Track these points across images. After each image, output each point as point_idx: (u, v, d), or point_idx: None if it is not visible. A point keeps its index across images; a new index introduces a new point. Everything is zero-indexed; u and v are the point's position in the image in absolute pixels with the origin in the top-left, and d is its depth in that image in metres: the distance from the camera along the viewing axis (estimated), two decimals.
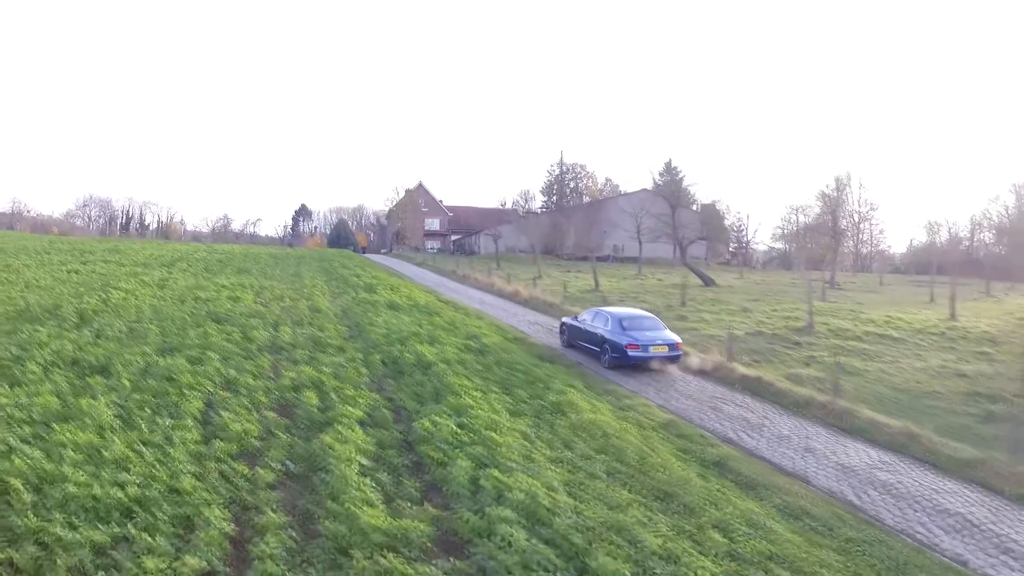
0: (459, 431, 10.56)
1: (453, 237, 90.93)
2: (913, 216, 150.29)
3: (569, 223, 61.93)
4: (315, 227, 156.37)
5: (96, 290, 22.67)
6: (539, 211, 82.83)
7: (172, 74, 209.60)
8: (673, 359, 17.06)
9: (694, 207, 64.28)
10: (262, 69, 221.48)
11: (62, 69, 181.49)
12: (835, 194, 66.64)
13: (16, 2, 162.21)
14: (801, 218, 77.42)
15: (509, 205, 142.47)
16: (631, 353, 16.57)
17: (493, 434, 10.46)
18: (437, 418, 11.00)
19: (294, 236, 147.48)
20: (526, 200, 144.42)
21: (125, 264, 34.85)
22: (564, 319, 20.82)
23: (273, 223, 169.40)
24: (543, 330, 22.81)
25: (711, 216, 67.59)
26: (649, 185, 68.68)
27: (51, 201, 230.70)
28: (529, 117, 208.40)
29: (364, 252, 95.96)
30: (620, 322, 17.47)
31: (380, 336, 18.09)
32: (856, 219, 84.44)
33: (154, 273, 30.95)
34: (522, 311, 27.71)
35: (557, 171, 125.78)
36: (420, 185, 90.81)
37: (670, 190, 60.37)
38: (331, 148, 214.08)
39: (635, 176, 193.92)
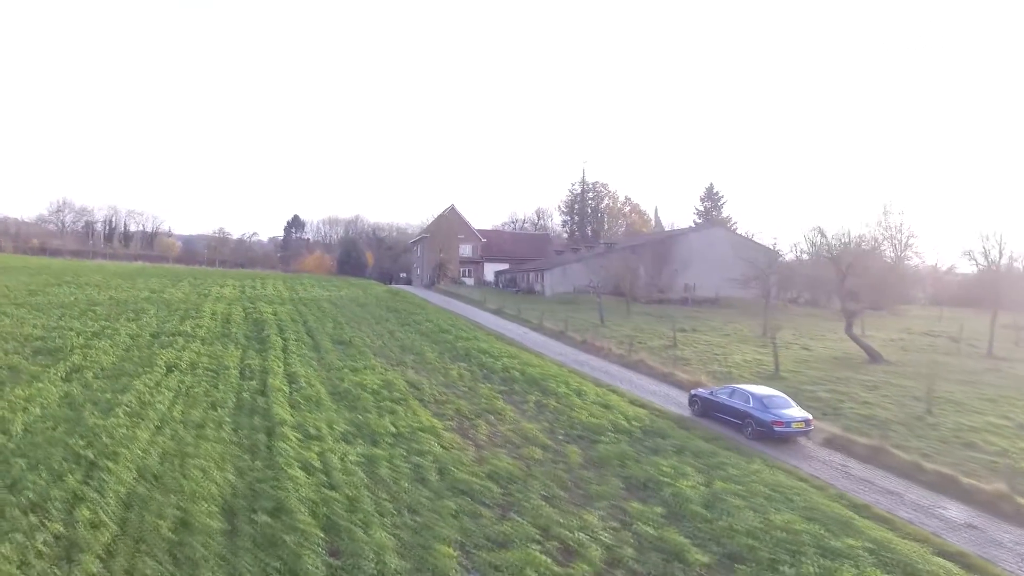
0: None
1: (487, 264, 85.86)
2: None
3: (639, 261, 57.38)
4: (307, 238, 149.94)
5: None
6: (599, 245, 78.10)
7: (160, 78, 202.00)
8: (807, 433, 19.47)
9: (764, 243, 60.20)
10: (252, 75, 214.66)
11: (46, 68, 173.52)
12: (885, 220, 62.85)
13: None
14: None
15: (522, 223, 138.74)
16: (777, 429, 19.17)
17: None
18: None
19: (285, 249, 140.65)
20: (539, 218, 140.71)
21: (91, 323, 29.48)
22: (695, 391, 22.82)
23: (265, 232, 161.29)
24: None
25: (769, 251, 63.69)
26: (691, 211, 64.51)
27: (20, 204, 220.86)
28: (542, 130, 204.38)
29: (392, 282, 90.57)
30: (762, 401, 20.08)
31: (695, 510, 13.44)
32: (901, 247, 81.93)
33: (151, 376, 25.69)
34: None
35: (579, 189, 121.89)
36: (453, 208, 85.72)
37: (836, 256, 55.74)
38: (324, 155, 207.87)
39: (659, 195, 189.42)
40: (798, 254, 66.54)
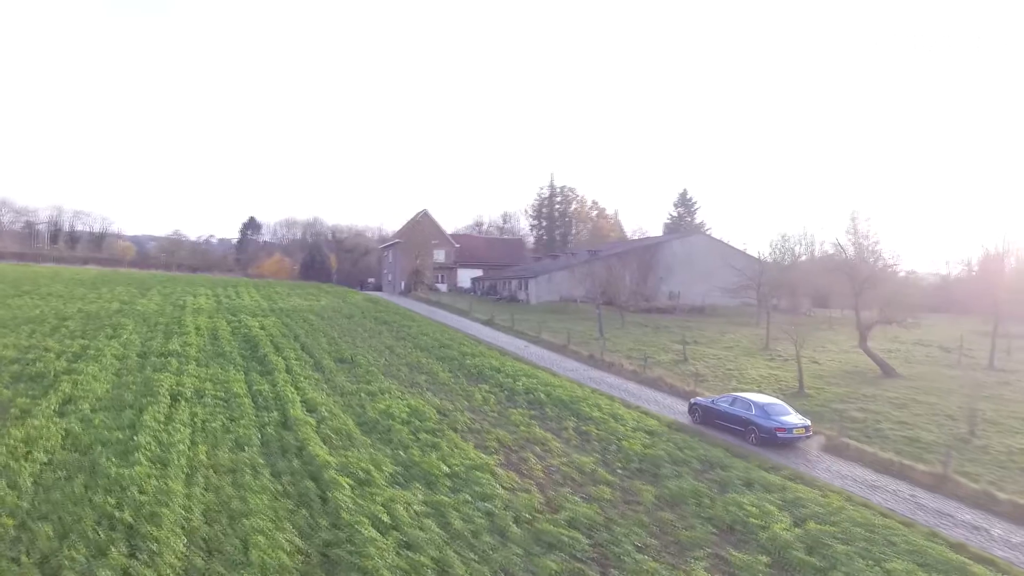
0: None
1: (461, 270, 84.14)
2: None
3: (624, 269, 56.75)
4: (264, 240, 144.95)
5: None
6: (575, 253, 77.16)
7: (105, 75, 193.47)
8: (807, 438, 20.58)
9: (745, 249, 60.47)
10: (204, 73, 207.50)
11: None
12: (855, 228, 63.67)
13: None
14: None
15: (488, 226, 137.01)
16: (780, 435, 20.17)
17: None
18: None
19: (242, 251, 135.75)
20: (505, 221, 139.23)
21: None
22: (695, 400, 23.58)
23: (219, 234, 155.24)
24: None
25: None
26: (663, 216, 64.38)
27: None
28: (508, 133, 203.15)
29: (362, 288, 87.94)
30: (764, 409, 20.98)
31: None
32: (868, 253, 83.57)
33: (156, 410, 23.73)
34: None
35: (547, 193, 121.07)
36: (426, 213, 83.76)
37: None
38: (281, 155, 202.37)
39: (625, 200, 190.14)
40: (775, 260, 67.38)
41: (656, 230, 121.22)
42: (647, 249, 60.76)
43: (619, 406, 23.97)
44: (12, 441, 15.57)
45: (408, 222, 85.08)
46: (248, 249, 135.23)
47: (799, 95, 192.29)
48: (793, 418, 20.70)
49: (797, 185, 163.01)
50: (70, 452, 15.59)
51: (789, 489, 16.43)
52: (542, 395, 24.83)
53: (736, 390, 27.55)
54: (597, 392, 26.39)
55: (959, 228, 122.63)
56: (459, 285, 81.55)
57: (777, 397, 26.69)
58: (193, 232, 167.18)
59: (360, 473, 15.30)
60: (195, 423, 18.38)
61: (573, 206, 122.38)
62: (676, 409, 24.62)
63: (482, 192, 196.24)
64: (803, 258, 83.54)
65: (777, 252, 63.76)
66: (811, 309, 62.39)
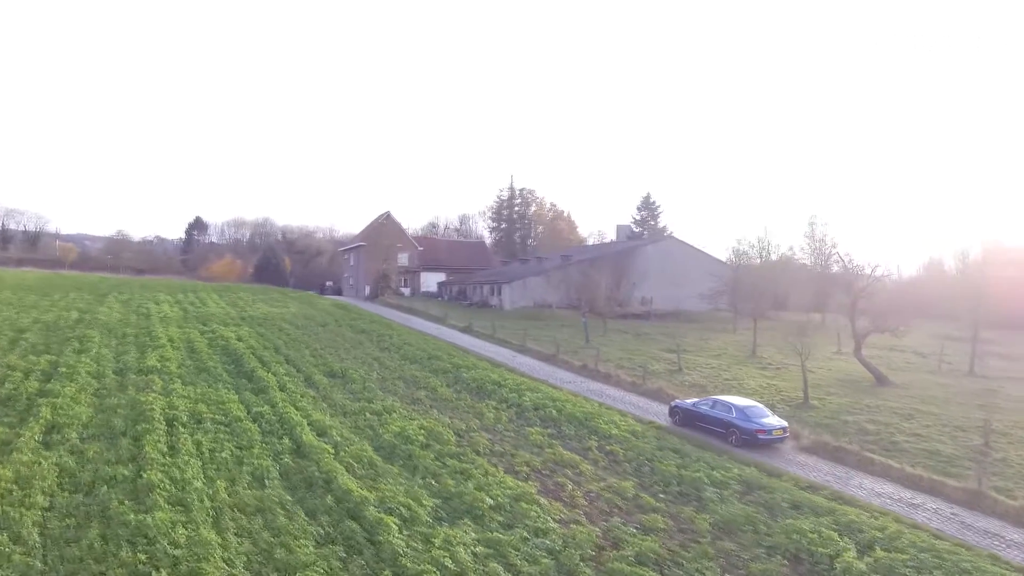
0: None
1: (424, 274, 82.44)
2: None
3: (600, 275, 56.44)
4: (211, 240, 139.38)
5: None
6: (551, 256, 76.42)
7: (36, 67, 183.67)
8: (784, 439, 21.53)
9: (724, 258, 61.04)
10: (142, 67, 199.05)
11: None
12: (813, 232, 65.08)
13: None
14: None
15: (444, 228, 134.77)
16: (761, 436, 21.10)
17: None
18: None
19: (188, 252, 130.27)
20: (462, 223, 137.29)
21: None
22: (675, 403, 24.49)
23: (163, 233, 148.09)
24: None
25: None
26: (626, 219, 64.56)
27: None
28: (464, 134, 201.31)
29: (323, 292, 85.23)
30: (744, 411, 21.91)
31: None
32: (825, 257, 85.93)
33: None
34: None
35: (507, 195, 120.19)
36: (389, 216, 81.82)
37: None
38: (227, 154, 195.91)
39: (585, 203, 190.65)
40: (738, 263, 68.43)
41: (614, 233, 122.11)
42: (621, 254, 60.61)
43: (633, 422, 23.28)
44: (3, 483, 13.75)
45: (371, 224, 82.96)
46: (194, 250, 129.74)
47: (758, 96, 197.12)
48: (772, 420, 21.68)
49: (756, 188, 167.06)
50: (71, 493, 13.88)
51: (839, 511, 16.01)
52: (553, 411, 23.94)
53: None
54: (606, 407, 25.62)
55: (920, 229, 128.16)
56: (424, 289, 79.85)
57: (780, 407, 26.95)
58: (135, 232, 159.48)
59: (402, 510, 14.10)
60: (202, 453, 16.78)
61: (532, 208, 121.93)
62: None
63: (438, 193, 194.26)
64: (758, 261, 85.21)
65: (737, 256, 64.88)
66: (778, 313, 63.32)
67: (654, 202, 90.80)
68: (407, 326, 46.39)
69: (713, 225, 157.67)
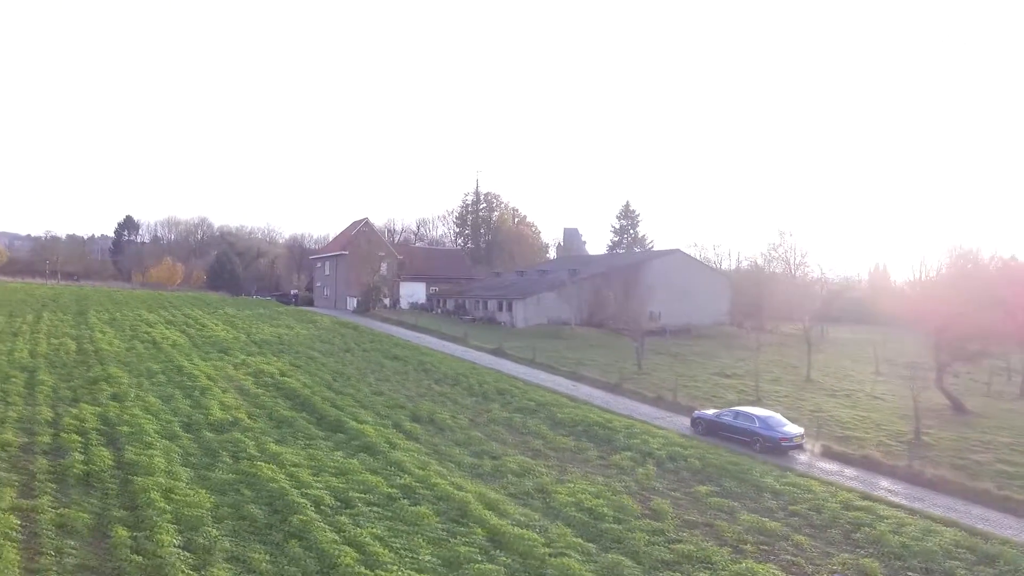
0: None
1: (403, 284, 78.43)
2: None
3: (610, 289, 54.88)
4: (143, 241, 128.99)
5: None
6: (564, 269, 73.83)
7: None
8: (802, 446, 23.78)
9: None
10: (68, 56, 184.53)
11: None
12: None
13: None
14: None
15: (401, 233, 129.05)
16: (783, 444, 23.23)
17: None
18: None
19: (117, 253, 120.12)
20: (418, 227, 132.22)
21: None
22: (697, 413, 26.61)
23: (89, 232, 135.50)
24: None
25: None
26: (607, 228, 63.13)
27: None
28: (421, 135, 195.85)
29: (296, 302, 79.79)
30: (766, 421, 23.96)
31: None
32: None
33: None
34: None
35: (471, 199, 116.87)
36: (367, 222, 77.50)
37: None
38: (159, 149, 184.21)
39: (552, 208, 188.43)
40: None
41: (592, 242, 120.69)
42: (631, 268, 59.04)
43: (794, 476, 21.14)
44: None
45: (349, 231, 78.36)
46: (127, 251, 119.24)
47: (730, 103, 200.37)
48: (790, 428, 24.00)
49: (728, 196, 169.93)
50: None
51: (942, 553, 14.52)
52: (696, 463, 21.63)
53: (848, 441, 25.85)
54: (746, 456, 23.09)
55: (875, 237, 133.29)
56: (411, 300, 75.79)
57: (891, 445, 25.50)
58: (59, 231, 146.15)
59: None
60: (402, 559, 13.32)
61: (496, 213, 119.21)
62: (845, 474, 22.16)
63: (389, 193, 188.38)
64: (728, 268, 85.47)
65: (755, 270, 64.72)
66: (776, 326, 63.21)
67: (634, 211, 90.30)
68: (436, 349, 42.94)
69: (686, 232, 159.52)
